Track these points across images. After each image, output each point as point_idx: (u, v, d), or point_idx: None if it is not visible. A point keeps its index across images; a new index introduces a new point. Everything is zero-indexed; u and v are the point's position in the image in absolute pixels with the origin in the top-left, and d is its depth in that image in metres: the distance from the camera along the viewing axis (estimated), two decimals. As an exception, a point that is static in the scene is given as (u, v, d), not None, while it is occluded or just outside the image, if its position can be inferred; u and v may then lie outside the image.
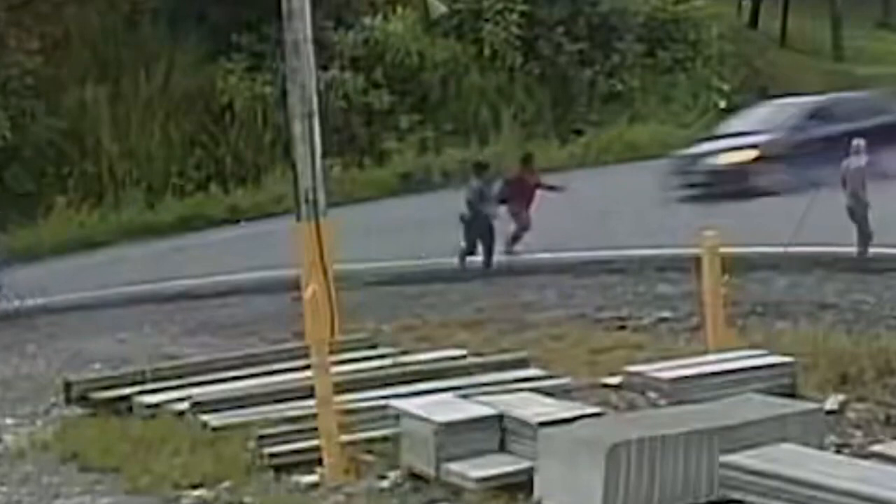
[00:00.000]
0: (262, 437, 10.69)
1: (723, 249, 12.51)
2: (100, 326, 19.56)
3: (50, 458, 11.77)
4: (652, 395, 11.24)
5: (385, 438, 10.45)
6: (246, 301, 21.08)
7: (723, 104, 38.76)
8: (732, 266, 13.47)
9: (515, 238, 22.35)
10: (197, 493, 10.23)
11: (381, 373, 12.67)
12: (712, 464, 8.62)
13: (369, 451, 10.44)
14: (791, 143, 25.79)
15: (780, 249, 18.80)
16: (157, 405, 12.41)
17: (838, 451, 9.67)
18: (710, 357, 11.88)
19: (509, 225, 22.41)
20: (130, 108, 35.10)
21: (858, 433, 10.35)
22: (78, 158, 34.16)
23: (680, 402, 10.56)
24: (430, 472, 9.72)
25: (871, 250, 18.58)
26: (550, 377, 12.16)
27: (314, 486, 10.04)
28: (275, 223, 26.60)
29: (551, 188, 23.15)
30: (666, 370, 11.49)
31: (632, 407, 11.15)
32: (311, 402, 10.61)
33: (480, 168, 22.99)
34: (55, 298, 23.10)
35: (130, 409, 12.64)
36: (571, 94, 39.36)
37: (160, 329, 18.85)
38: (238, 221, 31.59)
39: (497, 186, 22.75)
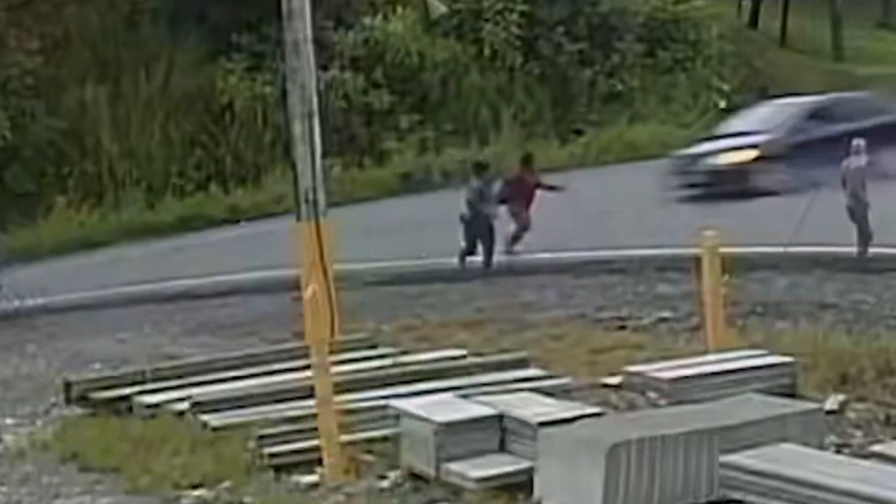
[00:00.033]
0: (262, 437, 10.69)
1: (723, 249, 12.51)
2: (100, 326, 19.57)
3: (50, 458, 11.77)
4: (652, 395, 11.24)
5: (385, 438, 10.45)
6: (246, 301, 21.08)
7: (723, 104, 38.76)
8: (732, 266, 13.47)
9: (515, 238, 22.35)
10: (197, 493, 10.23)
11: (381, 373, 12.66)
12: (712, 464, 8.62)
13: (369, 451, 10.44)
14: (791, 143, 25.79)
15: (780, 249, 18.79)
16: (157, 405, 12.41)
17: (838, 451, 9.67)
18: (710, 357, 11.88)
19: (509, 225, 22.40)
20: (130, 108, 35.10)
21: (858, 433, 10.35)
22: (78, 158, 34.16)
23: (680, 402, 10.55)
24: (430, 472, 9.72)
25: (871, 250, 18.57)
26: (550, 377, 12.16)
27: (314, 486, 10.04)
28: (275, 223, 26.60)
29: (551, 188, 23.15)
30: (666, 370, 11.49)
31: (632, 407, 11.15)
32: (311, 402, 10.61)
33: (480, 168, 22.98)
34: (55, 298, 23.10)
35: (130, 409, 12.64)
36: (571, 94, 39.37)
37: (160, 329, 18.85)
38: (238, 221, 31.59)
39: (497, 186, 22.75)
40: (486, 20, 38.91)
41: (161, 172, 34.31)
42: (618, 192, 26.96)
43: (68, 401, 13.30)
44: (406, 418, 10.13)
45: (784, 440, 8.86)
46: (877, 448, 9.32)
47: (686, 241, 15.58)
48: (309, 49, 13.18)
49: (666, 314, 16.03)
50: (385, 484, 9.93)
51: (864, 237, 18.63)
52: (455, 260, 21.78)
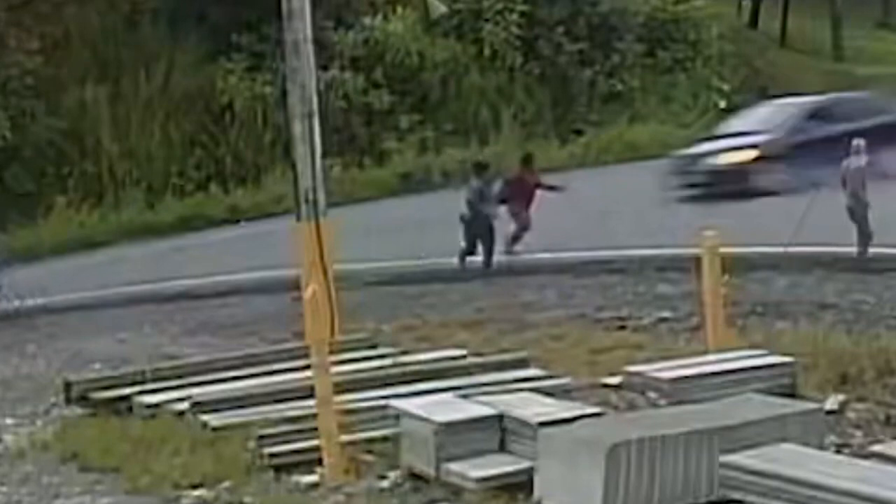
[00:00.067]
0: (262, 437, 10.69)
1: (723, 249, 12.51)
2: (100, 326, 19.57)
3: (50, 458, 11.77)
4: (652, 395, 11.24)
5: (385, 438, 10.45)
6: (246, 301, 21.08)
7: (723, 104, 38.76)
8: (732, 266, 13.47)
9: (515, 238, 22.35)
10: (197, 493, 10.23)
11: (381, 373, 12.66)
12: (712, 464, 8.62)
13: (369, 451, 10.44)
14: (791, 143, 25.79)
15: (780, 249, 18.79)
16: (157, 405, 12.41)
17: (838, 451, 9.67)
18: (710, 357, 11.88)
19: (509, 225, 22.40)
20: (130, 108, 35.11)
21: (858, 433, 10.35)
22: (78, 158, 34.17)
23: (680, 402, 10.55)
24: (430, 472, 9.72)
25: (871, 250, 18.57)
26: (550, 377, 12.16)
27: (314, 486, 10.04)
28: (275, 223, 26.60)
29: (551, 188, 23.15)
30: (666, 370, 11.48)
31: (632, 407, 11.15)
32: (311, 402, 10.61)
33: (480, 168, 22.98)
34: (55, 298, 23.10)
35: (130, 409, 12.64)
36: (571, 94, 39.37)
37: (160, 329, 18.85)
38: (238, 221, 31.59)
39: (497, 186, 22.74)
40: (486, 20, 38.91)
41: (161, 172, 34.32)
42: (618, 192, 26.96)
43: (68, 401, 13.30)
44: (406, 418, 10.13)
45: (784, 440, 8.86)
46: (877, 448, 9.32)
47: (686, 241, 15.58)
48: (309, 49, 13.17)
49: (666, 314, 16.03)
50: (385, 484, 9.93)
51: (864, 237, 18.63)
52: (455, 260, 21.78)
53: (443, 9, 38.90)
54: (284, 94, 14.48)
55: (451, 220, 22.03)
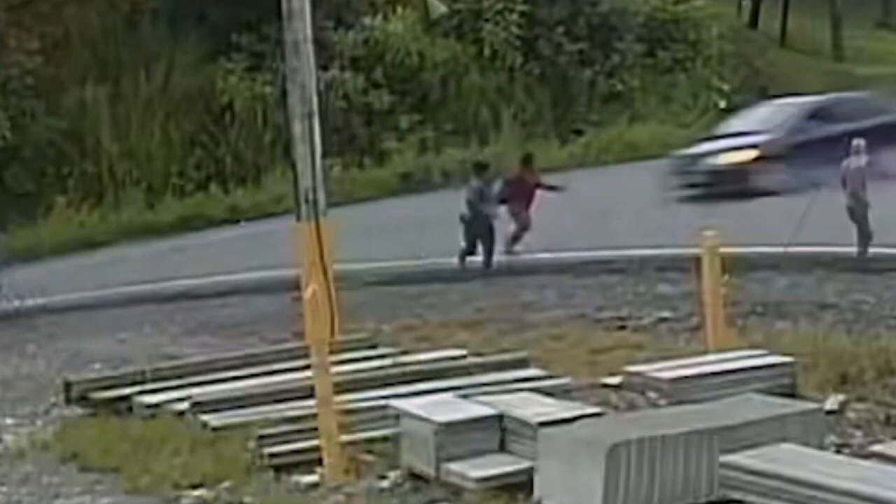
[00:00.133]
0: (262, 437, 10.69)
1: (723, 249, 12.51)
2: (100, 326, 19.57)
3: (50, 458, 11.76)
4: (652, 395, 11.24)
5: (385, 438, 10.45)
6: (246, 301, 21.08)
7: (723, 104, 38.77)
8: (732, 266, 13.47)
9: (515, 238, 22.35)
10: (197, 493, 10.23)
11: (381, 373, 12.66)
12: (712, 464, 8.62)
13: (369, 451, 10.44)
14: (791, 143, 25.79)
15: (780, 249, 18.79)
16: (157, 405, 12.41)
17: (838, 451, 9.67)
18: (710, 357, 11.88)
19: (509, 225, 22.40)
20: (130, 108, 35.11)
21: (858, 433, 10.35)
22: (78, 158, 34.17)
23: (680, 402, 10.55)
24: (430, 472, 9.72)
25: (871, 250, 18.58)
26: (550, 377, 12.16)
27: (314, 486, 10.04)
28: (275, 223, 26.60)
29: (551, 188, 23.15)
30: (666, 370, 11.48)
31: (632, 407, 11.15)
32: (311, 402, 10.61)
33: (480, 168, 22.98)
34: (55, 298, 23.10)
35: (130, 409, 12.64)
36: (571, 94, 39.37)
37: (160, 329, 18.85)
38: (238, 221, 31.59)
39: (497, 186, 22.74)
40: (486, 20, 38.91)
41: (161, 172, 34.32)
42: (618, 192, 26.96)
43: (68, 401, 13.30)
44: (406, 418, 10.13)
45: (784, 440, 8.86)
46: (877, 448, 9.32)
47: (686, 241, 15.58)
48: (309, 49, 13.17)
49: (666, 314, 16.03)
50: (385, 484, 9.93)
51: (864, 237, 18.63)
52: (455, 260, 21.78)
53: (443, 9, 38.91)
54: (284, 94, 14.48)
55: (451, 220, 22.03)
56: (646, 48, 40.74)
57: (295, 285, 14.33)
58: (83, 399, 13.15)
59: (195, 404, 11.95)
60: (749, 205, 23.23)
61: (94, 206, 33.06)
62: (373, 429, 10.67)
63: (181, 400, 12.28)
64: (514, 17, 38.87)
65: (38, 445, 12.20)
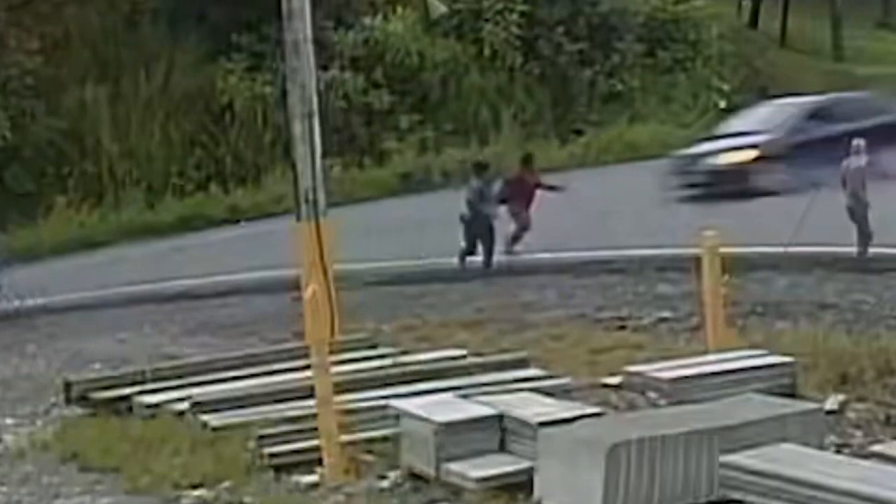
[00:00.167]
0: (262, 437, 10.69)
1: (723, 249, 12.51)
2: (100, 326, 19.57)
3: (50, 458, 11.76)
4: (652, 395, 11.24)
5: (385, 438, 10.45)
6: (246, 301, 21.08)
7: (723, 104, 38.77)
8: (732, 266, 13.47)
9: (515, 238, 22.35)
10: (197, 493, 10.23)
11: (381, 373, 12.67)
12: (712, 464, 8.62)
13: (369, 451, 10.44)
14: (791, 143, 25.79)
15: (780, 249, 18.79)
16: (157, 405, 12.41)
17: (838, 451, 9.67)
18: (710, 357, 11.88)
19: (509, 225, 22.40)
20: (130, 108, 35.11)
21: (858, 433, 10.35)
22: (78, 158, 34.17)
23: (680, 402, 10.55)
24: (430, 472, 9.72)
25: (871, 250, 18.58)
26: (550, 377, 12.16)
27: (314, 486, 10.04)
28: (275, 223, 26.60)
29: (551, 188, 23.15)
30: (666, 370, 11.48)
31: (632, 407, 11.15)
32: (311, 402, 10.61)
33: (480, 168, 22.98)
34: (55, 298, 23.10)
35: (130, 409, 12.64)
36: (571, 94, 39.37)
37: (160, 329, 18.85)
38: (238, 221, 31.59)
39: (497, 186, 22.74)
40: (486, 20, 38.91)
41: (161, 172, 34.32)
42: (618, 192, 26.96)
43: (68, 401, 13.30)
44: (406, 418, 10.13)
45: (784, 440, 8.86)
46: (877, 448, 9.32)
47: (686, 241, 15.58)
48: (309, 49, 13.17)
49: (666, 314, 16.03)
50: (385, 484, 9.93)
51: (864, 237, 18.63)
52: (455, 260, 21.78)
53: (443, 9, 38.91)
54: (284, 94, 14.47)
55: (451, 220, 22.03)
56: (646, 48, 40.74)
57: (295, 285, 14.32)
58: (83, 399, 13.15)
59: (195, 404, 11.95)
60: (749, 205, 23.23)
61: (94, 206, 33.06)
62: (373, 429, 10.67)
63: (181, 400, 12.28)
64: (514, 17, 38.87)
65: (38, 445, 12.20)
